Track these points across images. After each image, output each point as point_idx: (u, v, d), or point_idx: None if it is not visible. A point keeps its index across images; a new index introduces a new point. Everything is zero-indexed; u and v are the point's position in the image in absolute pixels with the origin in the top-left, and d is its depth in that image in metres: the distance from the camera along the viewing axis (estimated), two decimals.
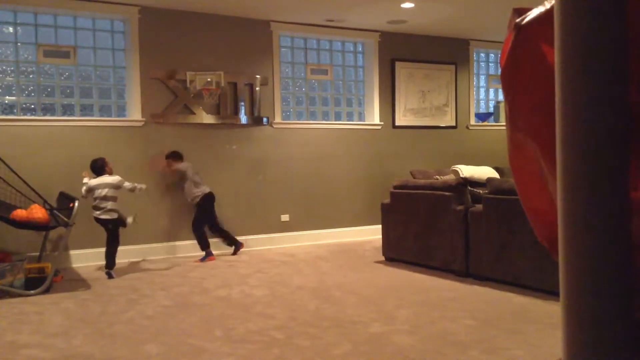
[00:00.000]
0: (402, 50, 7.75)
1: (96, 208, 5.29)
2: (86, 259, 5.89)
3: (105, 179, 5.32)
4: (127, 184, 5.39)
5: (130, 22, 6.15)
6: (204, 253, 6.06)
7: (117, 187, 5.33)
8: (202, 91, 6.36)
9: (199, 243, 6.08)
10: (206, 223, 6.19)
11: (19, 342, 3.47)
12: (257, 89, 6.76)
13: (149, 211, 6.25)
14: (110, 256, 5.32)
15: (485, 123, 8.47)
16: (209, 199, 6.15)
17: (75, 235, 5.47)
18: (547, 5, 1.12)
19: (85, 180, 5.33)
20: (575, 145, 0.69)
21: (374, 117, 7.65)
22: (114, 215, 5.35)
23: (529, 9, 1.22)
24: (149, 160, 6.19)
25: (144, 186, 5.60)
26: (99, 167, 5.37)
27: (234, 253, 6.33)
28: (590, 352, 0.69)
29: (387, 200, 5.92)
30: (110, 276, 5.22)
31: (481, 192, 5.30)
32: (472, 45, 8.30)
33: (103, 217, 5.28)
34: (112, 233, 5.37)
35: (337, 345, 3.30)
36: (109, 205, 5.29)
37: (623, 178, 0.67)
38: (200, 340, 3.44)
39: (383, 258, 5.89)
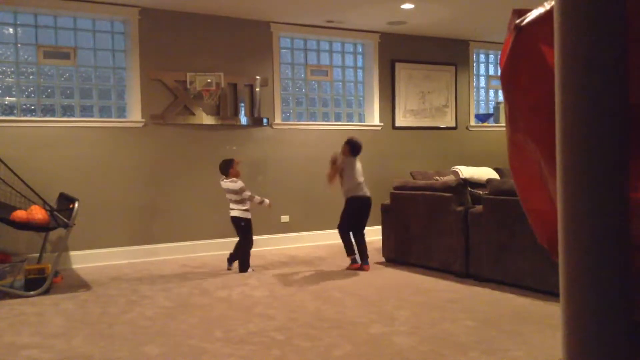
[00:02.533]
0: (402, 51, 7.75)
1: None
2: (86, 260, 5.89)
3: (227, 184, 5.44)
4: (246, 193, 5.43)
5: (130, 23, 6.15)
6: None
7: (237, 193, 5.42)
8: (202, 92, 6.37)
9: (344, 247, 5.64)
10: (348, 227, 5.66)
11: (19, 343, 3.47)
12: (257, 89, 6.76)
13: (151, 212, 6.25)
14: (239, 255, 5.49)
15: (485, 124, 8.47)
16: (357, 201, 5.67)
17: (75, 236, 5.47)
18: (547, 7, 1.13)
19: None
20: (575, 145, 0.69)
21: (374, 118, 7.65)
22: (245, 215, 5.44)
23: (529, 10, 1.22)
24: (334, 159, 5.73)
25: (266, 201, 5.54)
26: (222, 168, 5.50)
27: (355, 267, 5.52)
28: (590, 353, 0.69)
29: (387, 201, 5.92)
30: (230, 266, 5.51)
31: (481, 193, 5.30)
32: (472, 46, 8.30)
33: (232, 214, 5.44)
34: (241, 232, 5.46)
35: (337, 346, 3.30)
36: (237, 206, 5.43)
37: (623, 179, 0.67)
38: (201, 341, 3.44)
39: (383, 259, 5.89)
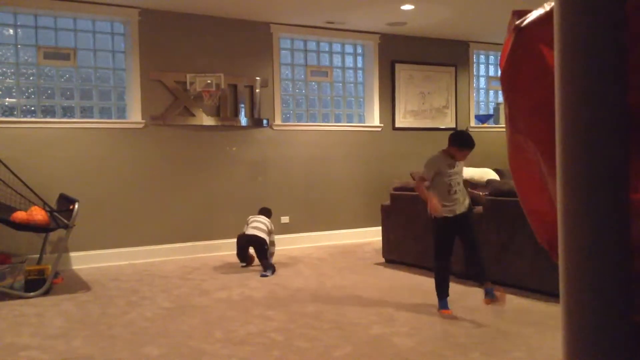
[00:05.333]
0: (402, 52, 7.75)
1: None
2: (86, 261, 5.89)
3: (266, 222, 5.82)
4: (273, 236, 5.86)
5: (130, 24, 6.15)
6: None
7: (270, 231, 5.81)
8: (202, 93, 6.36)
9: (483, 274, 4.09)
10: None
11: (19, 344, 3.47)
12: (257, 90, 6.76)
13: (151, 213, 6.25)
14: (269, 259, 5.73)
15: (485, 125, 8.47)
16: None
17: (75, 237, 5.47)
18: (547, 7, 1.13)
19: None
20: (574, 146, 0.69)
21: (374, 119, 7.65)
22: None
23: (529, 11, 1.22)
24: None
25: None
26: (268, 213, 6.07)
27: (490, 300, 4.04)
28: (590, 353, 0.69)
29: (387, 202, 5.91)
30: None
31: (481, 193, 5.30)
32: (472, 47, 8.30)
33: (257, 233, 5.65)
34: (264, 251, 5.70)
35: (337, 347, 3.30)
36: (265, 231, 5.76)
37: (623, 179, 0.67)
38: (200, 342, 3.44)
39: (383, 260, 5.88)
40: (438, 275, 4.10)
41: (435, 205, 3.95)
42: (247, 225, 5.77)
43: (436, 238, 4.11)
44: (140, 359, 3.19)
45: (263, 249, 5.58)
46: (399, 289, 4.72)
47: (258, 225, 5.72)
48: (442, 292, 4.07)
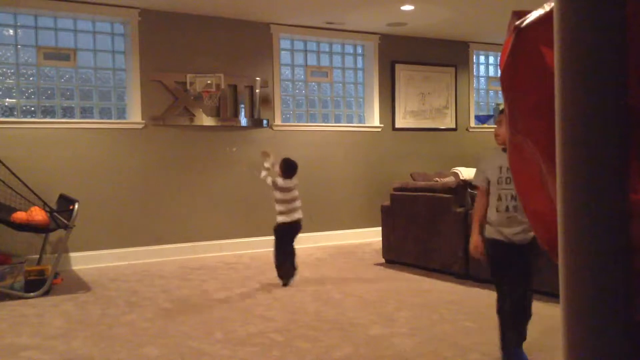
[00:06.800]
0: (402, 52, 7.75)
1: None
2: (86, 261, 5.89)
3: (295, 182, 5.18)
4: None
5: (130, 24, 6.15)
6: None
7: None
8: (202, 93, 6.36)
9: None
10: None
11: (19, 344, 3.47)
12: (257, 91, 6.76)
13: (150, 213, 6.25)
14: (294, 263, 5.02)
15: (485, 125, 8.47)
16: None
17: (75, 237, 5.47)
18: (547, 8, 1.13)
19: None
20: (574, 147, 0.69)
21: (373, 119, 7.65)
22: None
23: (529, 12, 1.22)
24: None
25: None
26: (294, 169, 5.18)
27: None
28: (591, 354, 0.68)
29: (387, 203, 5.92)
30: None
31: None
32: (472, 48, 8.30)
33: (299, 217, 5.10)
34: (296, 237, 5.12)
35: (337, 348, 3.30)
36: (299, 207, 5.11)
37: (623, 180, 0.67)
38: (200, 342, 3.44)
39: (383, 260, 5.88)
40: (498, 317, 3.04)
41: (473, 244, 2.96)
42: (285, 195, 5.03)
43: (490, 266, 3.04)
44: (140, 359, 3.19)
45: (297, 232, 5.02)
46: (399, 290, 4.71)
47: (298, 205, 5.03)
48: (501, 337, 3.01)
